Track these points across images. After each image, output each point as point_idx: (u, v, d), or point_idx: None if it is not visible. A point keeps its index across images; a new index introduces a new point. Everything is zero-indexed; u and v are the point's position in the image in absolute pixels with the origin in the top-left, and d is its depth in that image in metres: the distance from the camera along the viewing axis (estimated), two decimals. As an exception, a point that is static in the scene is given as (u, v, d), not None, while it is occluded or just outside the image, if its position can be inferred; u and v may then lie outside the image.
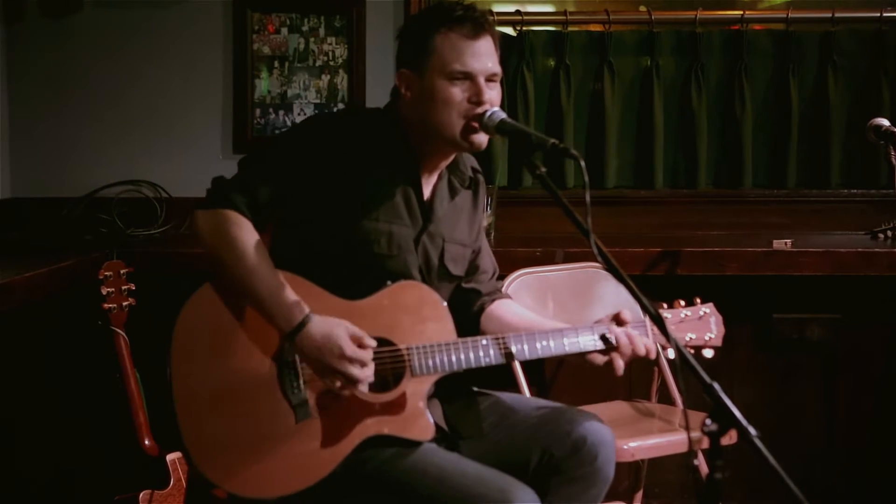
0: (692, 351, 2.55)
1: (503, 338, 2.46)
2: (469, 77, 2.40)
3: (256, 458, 2.35)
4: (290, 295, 2.35)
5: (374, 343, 2.36)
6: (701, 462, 2.68)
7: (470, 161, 2.67)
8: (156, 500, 3.16)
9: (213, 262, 2.41)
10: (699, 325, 2.57)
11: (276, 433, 2.36)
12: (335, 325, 2.35)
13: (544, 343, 2.46)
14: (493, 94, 2.41)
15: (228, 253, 2.37)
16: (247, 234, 2.38)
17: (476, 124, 2.40)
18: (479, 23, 2.42)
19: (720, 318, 2.60)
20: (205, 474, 2.38)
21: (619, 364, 2.45)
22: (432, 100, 2.41)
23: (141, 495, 3.16)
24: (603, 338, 2.46)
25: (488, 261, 2.76)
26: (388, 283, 2.44)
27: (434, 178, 2.56)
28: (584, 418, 2.48)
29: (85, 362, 3.71)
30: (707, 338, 2.57)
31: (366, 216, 2.44)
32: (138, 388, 3.28)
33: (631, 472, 3.71)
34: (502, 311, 2.67)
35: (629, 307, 2.43)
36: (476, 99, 2.39)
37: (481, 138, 2.43)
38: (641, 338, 2.45)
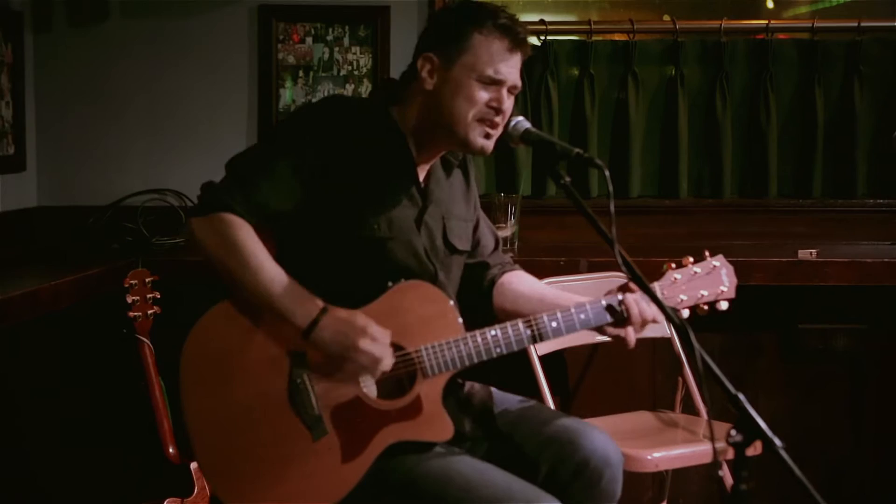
0: (706, 307, 2.52)
1: (513, 325, 2.42)
2: (497, 84, 2.41)
3: (278, 482, 2.33)
4: (303, 290, 2.33)
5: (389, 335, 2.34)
6: (726, 473, 2.66)
7: None
8: (180, 508, 3.18)
9: (217, 270, 2.36)
10: (711, 280, 2.52)
11: (295, 454, 2.33)
12: (354, 312, 2.33)
13: (554, 325, 2.43)
14: (509, 104, 2.44)
15: (233, 257, 2.32)
16: (248, 236, 2.33)
17: (488, 130, 2.41)
18: (521, 39, 2.44)
19: (731, 268, 2.56)
20: None
21: (631, 335, 2.44)
22: (455, 93, 2.41)
23: (165, 503, 3.17)
24: (609, 308, 2.43)
25: (488, 232, 2.74)
26: (390, 284, 2.40)
27: (428, 164, 2.55)
28: (588, 437, 2.44)
29: (110, 370, 3.73)
30: (720, 290, 2.53)
31: (363, 204, 2.42)
32: (163, 397, 3.30)
33: (655, 483, 3.70)
34: (515, 284, 2.66)
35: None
36: (496, 105, 2.41)
37: (489, 144, 2.44)
38: (651, 305, 2.41)
